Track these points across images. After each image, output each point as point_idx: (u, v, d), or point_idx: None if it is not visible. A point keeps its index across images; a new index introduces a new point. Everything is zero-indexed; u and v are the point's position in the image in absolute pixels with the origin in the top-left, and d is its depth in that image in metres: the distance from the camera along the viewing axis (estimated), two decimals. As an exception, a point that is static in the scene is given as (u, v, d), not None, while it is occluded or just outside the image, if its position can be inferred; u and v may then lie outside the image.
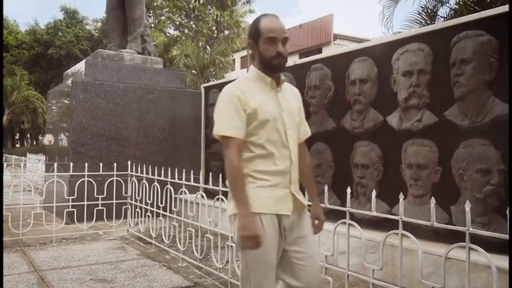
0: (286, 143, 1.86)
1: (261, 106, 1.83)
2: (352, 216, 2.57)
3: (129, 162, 5.29)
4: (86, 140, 6.42)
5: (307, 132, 2.10)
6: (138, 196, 5.00)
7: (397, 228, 2.28)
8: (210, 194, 3.97)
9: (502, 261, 2.26)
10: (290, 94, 2.01)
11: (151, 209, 4.68)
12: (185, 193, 4.09)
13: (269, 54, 1.85)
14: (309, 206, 2.08)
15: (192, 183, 4.11)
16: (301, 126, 2.04)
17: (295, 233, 1.88)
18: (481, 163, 3.10)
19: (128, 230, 5.33)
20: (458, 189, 3.25)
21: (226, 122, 1.82)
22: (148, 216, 4.75)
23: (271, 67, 1.88)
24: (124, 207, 5.35)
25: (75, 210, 5.15)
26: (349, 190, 2.58)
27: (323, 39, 29.71)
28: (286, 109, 1.90)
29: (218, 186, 3.57)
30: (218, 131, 1.83)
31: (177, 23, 26.73)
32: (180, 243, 4.08)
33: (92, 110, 6.53)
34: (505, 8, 3.06)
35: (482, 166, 3.09)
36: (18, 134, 43.97)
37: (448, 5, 8.68)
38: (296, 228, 1.88)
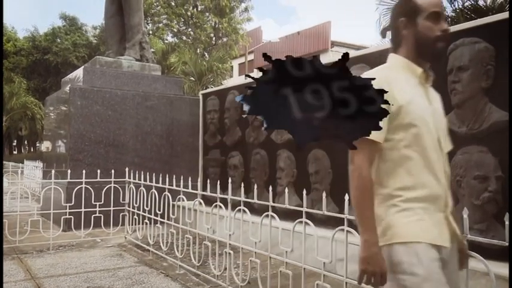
0: (439, 153, 1.48)
1: (411, 103, 1.44)
2: (351, 223, 2.57)
3: (126, 169, 5.28)
4: (84, 147, 6.42)
5: (449, 144, 1.61)
6: (136, 203, 4.99)
7: (396, 235, 2.28)
8: (208, 201, 3.96)
9: (501, 268, 2.27)
10: (435, 93, 1.62)
11: (149, 216, 4.67)
12: (183, 200, 4.08)
13: (433, 33, 1.47)
14: None
15: (190, 190, 4.10)
16: (447, 135, 1.60)
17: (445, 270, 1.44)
18: (478, 170, 3.10)
19: (125, 237, 5.31)
20: (456, 196, 3.25)
21: None
22: (146, 223, 4.73)
23: (433, 52, 1.50)
24: (122, 214, 5.33)
25: (72, 217, 5.13)
26: (347, 197, 2.58)
27: (321, 46, 29.88)
28: (437, 110, 1.55)
29: (216, 193, 3.57)
30: None
31: (175, 30, 26.81)
32: (177, 251, 4.06)
33: (89, 117, 6.53)
34: (501, 16, 3.09)
35: (479, 173, 3.10)
36: (15, 141, 43.89)
37: (444, 12, 8.75)
38: (448, 264, 1.45)
